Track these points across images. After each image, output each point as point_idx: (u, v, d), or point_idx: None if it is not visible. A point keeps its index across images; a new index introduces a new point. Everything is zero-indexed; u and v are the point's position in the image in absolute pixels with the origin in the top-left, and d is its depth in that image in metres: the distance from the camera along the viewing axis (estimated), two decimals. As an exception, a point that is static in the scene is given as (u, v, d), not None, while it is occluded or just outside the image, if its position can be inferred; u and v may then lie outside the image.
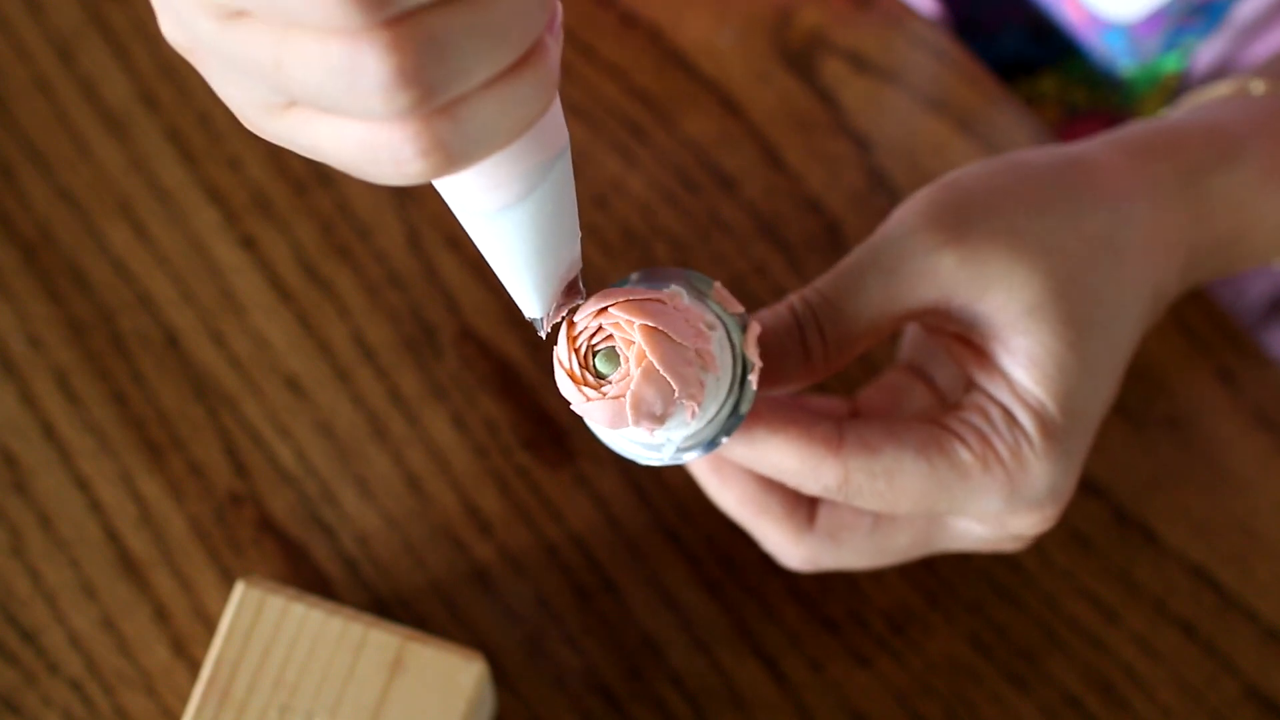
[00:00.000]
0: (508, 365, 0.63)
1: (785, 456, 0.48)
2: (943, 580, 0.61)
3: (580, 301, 0.44)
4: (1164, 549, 0.61)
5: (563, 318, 0.44)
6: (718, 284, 0.46)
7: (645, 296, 0.43)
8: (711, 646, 0.60)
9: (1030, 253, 0.48)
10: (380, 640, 0.55)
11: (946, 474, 0.48)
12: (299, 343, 0.64)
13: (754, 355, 0.46)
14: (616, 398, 0.43)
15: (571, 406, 0.44)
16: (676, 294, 0.45)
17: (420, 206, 0.65)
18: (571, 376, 0.43)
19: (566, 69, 0.67)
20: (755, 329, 0.46)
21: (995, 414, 0.48)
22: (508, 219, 0.40)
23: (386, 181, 0.35)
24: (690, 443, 0.46)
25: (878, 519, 0.51)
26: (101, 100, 0.66)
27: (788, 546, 0.52)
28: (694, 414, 0.44)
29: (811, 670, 0.60)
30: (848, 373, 0.63)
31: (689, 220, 0.65)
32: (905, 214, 0.49)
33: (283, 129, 0.36)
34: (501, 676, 0.60)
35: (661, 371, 0.42)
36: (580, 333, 0.43)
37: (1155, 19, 0.70)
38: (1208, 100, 0.58)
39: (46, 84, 0.67)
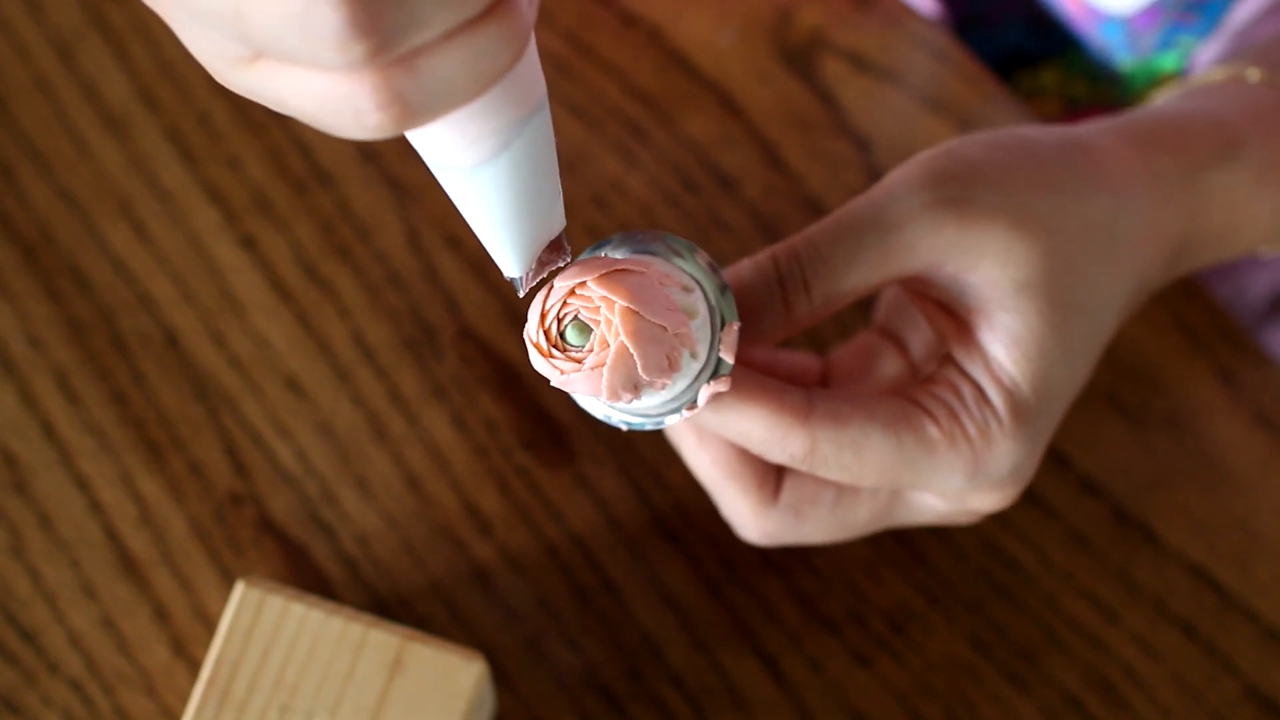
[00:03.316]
0: (508, 365, 0.63)
1: (754, 424, 0.47)
2: (943, 580, 0.61)
3: (564, 262, 0.43)
4: (1164, 549, 0.61)
5: (540, 281, 0.43)
6: (701, 252, 0.46)
7: (620, 266, 0.43)
8: (711, 646, 0.60)
9: (1033, 230, 0.48)
10: (380, 640, 0.55)
11: (913, 449, 0.48)
12: (299, 343, 0.64)
13: (733, 314, 0.46)
14: (594, 368, 0.42)
15: (551, 383, 0.43)
16: (649, 259, 0.44)
17: (420, 206, 0.65)
18: (539, 350, 0.43)
19: (566, 69, 0.67)
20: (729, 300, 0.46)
21: (967, 391, 0.48)
22: (483, 175, 0.39)
23: (350, 135, 0.35)
24: (672, 405, 0.46)
25: (840, 493, 0.51)
26: (101, 100, 0.66)
27: (750, 518, 0.52)
28: (664, 387, 0.43)
29: (811, 670, 0.60)
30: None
31: (689, 220, 0.65)
32: (906, 176, 0.48)
33: (250, 81, 0.36)
34: (501, 676, 0.60)
35: (632, 349, 0.42)
36: (550, 308, 0.43)
37: (1152, 12, 0.70)
38: (1205, 85, 0.58)
39: (46, 84, 0.67)
